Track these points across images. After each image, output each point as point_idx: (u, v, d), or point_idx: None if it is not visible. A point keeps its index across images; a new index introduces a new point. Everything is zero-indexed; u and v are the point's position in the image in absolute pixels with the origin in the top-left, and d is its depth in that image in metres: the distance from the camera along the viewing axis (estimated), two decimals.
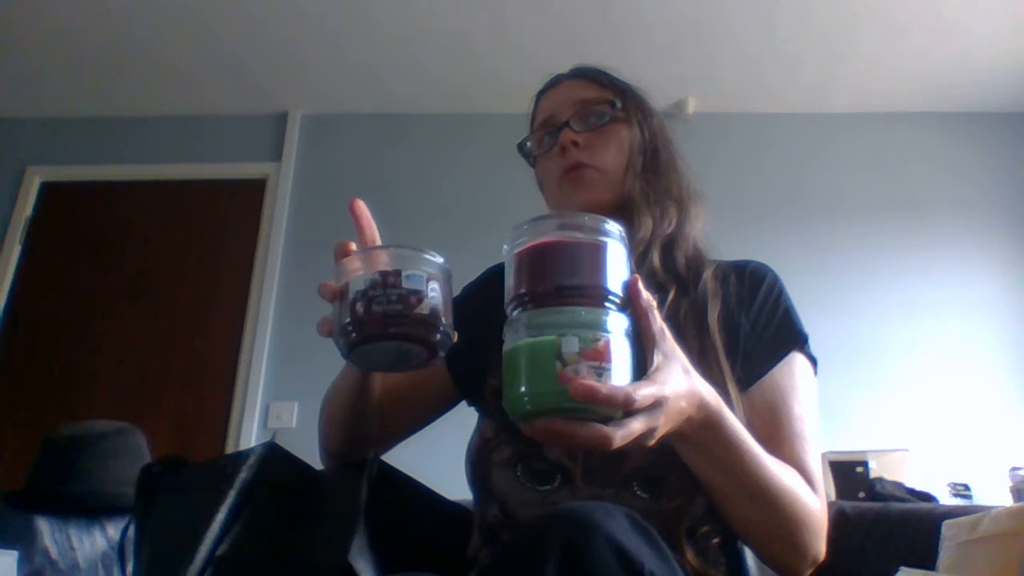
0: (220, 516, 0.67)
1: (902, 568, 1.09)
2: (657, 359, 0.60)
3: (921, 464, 2.58)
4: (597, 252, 0.61)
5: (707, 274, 0.89)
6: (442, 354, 0.67)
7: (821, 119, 3.30)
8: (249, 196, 3.23)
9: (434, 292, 0.65)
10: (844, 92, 3.21)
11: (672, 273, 0.89)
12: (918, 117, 3.28)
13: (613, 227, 0.62)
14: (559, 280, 0.59)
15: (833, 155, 3.24)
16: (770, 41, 2.94)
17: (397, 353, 0.66)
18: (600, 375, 0.56)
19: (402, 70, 3.13)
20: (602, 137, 0.95)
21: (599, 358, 0.56)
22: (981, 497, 2.45)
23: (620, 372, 0.57)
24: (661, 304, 0.81)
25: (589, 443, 0.55)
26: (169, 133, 3.37)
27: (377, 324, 0.63)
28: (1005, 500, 2.33)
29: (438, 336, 0.65)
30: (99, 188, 3.31)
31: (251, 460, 0.72)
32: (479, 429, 0.88)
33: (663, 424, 0.60)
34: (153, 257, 3.18)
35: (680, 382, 0.61)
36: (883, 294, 2.95)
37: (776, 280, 0.92)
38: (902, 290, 2.97)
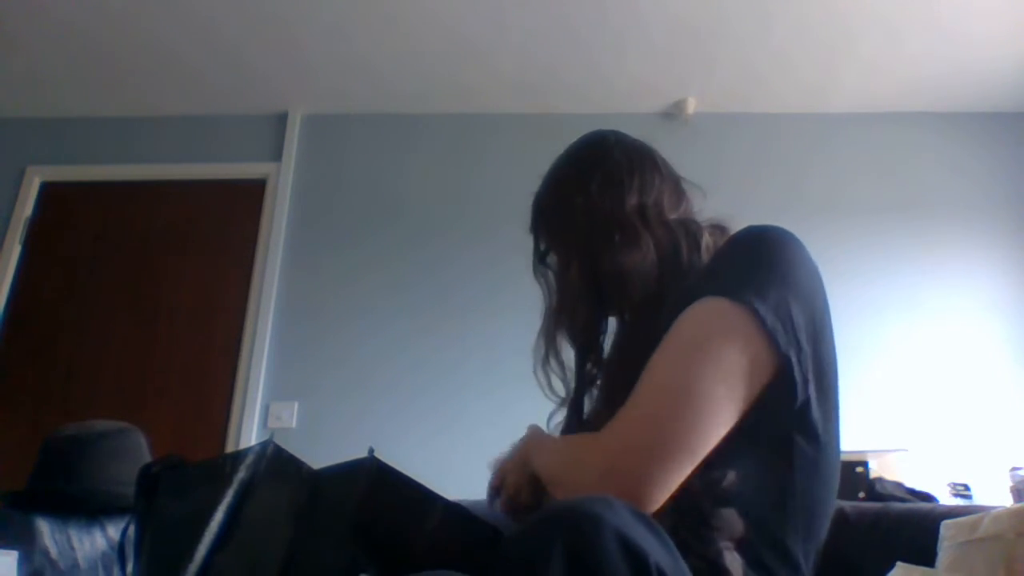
0: (219, 516, 0.67)
1: (898, 564, 1.09)
2: None
3: (921, 464, 2.58)
4: None
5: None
6: None
7: (821, 119, 3.29)
8: (249, 196, 3.23)
9: None
10: (844, 92, 3.21)
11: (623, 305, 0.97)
12: (918, 117, 3.28)
13: None
14: None
15: (833, 155, 3.24)
16: (770, 41, 2.94)
17: None
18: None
19: (403, 70, 3.13)
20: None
21: None
22: (981, 497, 2.44)
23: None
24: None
25: None
26: (169, 133, 3.37)
27: None
28: (1005, 500, 2.33)
29: None
30: (99, 188, 3.31)
31: (250, 459, 0.72)
32: None
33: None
34: (153, 257, 3.18)
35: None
36: (883, 294, 2.94)
37: (745, 239, 0.83)
38: (901, 289, 2.97)
